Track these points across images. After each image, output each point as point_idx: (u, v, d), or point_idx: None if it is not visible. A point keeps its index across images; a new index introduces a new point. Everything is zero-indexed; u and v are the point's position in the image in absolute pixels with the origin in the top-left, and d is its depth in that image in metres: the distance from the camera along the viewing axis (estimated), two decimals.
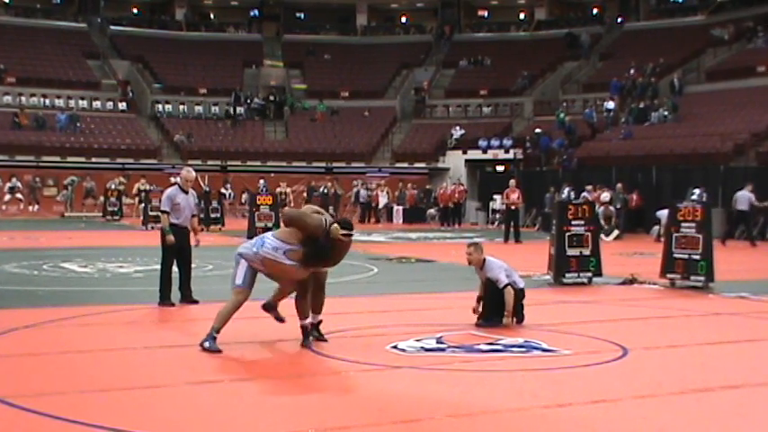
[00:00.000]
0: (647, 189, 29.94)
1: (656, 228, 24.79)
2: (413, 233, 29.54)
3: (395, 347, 8.47)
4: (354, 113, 48.08)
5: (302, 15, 57.79)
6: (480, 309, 10.20)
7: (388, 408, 6.66)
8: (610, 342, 9.13)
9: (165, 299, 11.62)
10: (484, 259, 10.34)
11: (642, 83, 41.69)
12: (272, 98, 49.35)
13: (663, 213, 21.11)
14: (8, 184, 37.76)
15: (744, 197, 24.43)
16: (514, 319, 10.17)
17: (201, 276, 14.13)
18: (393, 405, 6.76)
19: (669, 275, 14.16)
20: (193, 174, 12.17)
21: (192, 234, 12.01)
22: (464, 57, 51.41)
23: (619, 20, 50.84)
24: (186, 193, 11.90)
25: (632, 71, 42.45)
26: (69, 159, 41.00)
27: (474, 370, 7.88)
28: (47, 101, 45.52)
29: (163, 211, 11.82)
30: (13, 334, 9.46)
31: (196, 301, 11.77)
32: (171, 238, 11.64)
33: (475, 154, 41.56)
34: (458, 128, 43.63)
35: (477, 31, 54.73)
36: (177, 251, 11.74)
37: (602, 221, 24.67)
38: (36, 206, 38.39)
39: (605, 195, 27.30)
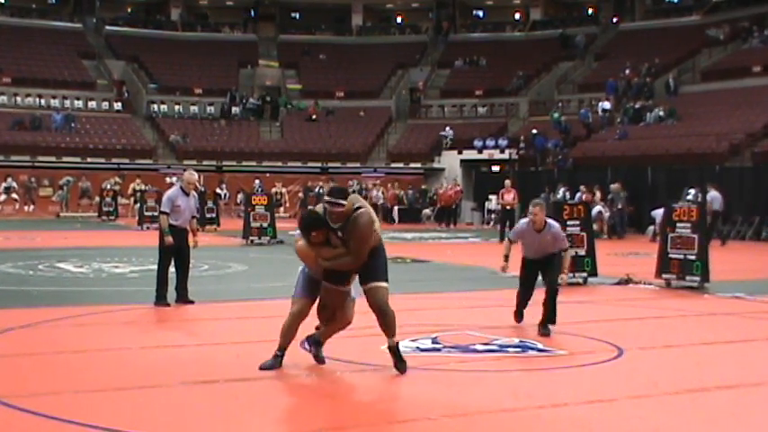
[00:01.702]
0: (643, 189, 29.90)
1: (651, 228, 24.80)
2: (408, 233, 29.51)
3: None
4: (350, 113, 48.03)
5: (297, 15, 57.74)
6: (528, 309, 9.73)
7: (384, 408, 6.67)
8: (605, 342, 9.14)
9: (160, 299, 11.61)
10: (545, 221, 9.86)
11: (637, 83, 41.71)
12: (267, 98, 49.31)
13: (658, 213, 21.12)
14: (3, 185, 37.64)
15: (718, 198, 24.49)
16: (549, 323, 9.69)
17: (197, 277, 14.10)
18: (389, 405, 6.77)
19: (664, 275, 14.17)
20: (195, 176, 12.16)
21: (190, 235, 11.99)
22: (459, 57, 51.35)
23: (614, 20, 50.87)
24: (187, 195, 11.88)
25: (627, 71, 42.46)
26: (65, 159, 40.89)
27: (469, 370, 7.89)
28: (42, 101, 45.38)
29: (162, 212, 11.80)
30: (8, 334, 9.45)
31: (192, 302, 11.77)
32: (170, 239, 11.62)
33: (470, 154, 41.51)
34: (447, 128, 43.50)
35: (473, 32, 54.67)
36: (175, 252, 11.73)
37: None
38: (31, 206, 38.28)
39: (597, 208, 26.69)
